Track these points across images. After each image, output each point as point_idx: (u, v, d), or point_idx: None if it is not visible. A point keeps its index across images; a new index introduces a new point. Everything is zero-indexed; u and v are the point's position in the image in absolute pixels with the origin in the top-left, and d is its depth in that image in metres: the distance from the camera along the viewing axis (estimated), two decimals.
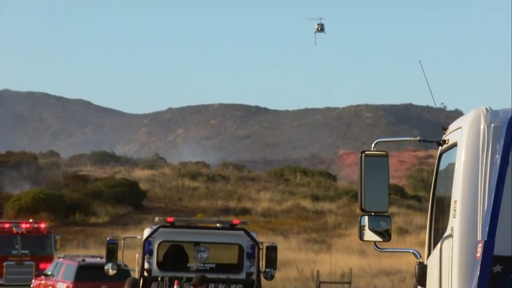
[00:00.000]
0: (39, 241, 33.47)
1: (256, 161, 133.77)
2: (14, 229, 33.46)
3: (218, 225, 19.92)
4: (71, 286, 27.93)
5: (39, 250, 33.13)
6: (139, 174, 78.48)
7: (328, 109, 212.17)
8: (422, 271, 7.54)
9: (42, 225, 34.80)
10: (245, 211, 61.96)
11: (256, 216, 60.44)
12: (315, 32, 62.32)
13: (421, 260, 7.67)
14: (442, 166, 7.67)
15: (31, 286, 30.43)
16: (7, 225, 34.12)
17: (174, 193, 70.84)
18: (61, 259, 30.35)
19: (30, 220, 35.99)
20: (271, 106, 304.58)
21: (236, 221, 20.47)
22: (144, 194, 66.87)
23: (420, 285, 7.64)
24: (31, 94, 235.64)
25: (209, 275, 17.76)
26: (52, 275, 29.28)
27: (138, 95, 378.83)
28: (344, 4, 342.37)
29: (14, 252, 32.80)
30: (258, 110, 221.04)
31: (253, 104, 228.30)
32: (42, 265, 31.53)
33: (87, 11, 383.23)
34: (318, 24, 62.08)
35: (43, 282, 29.54)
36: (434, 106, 9.79)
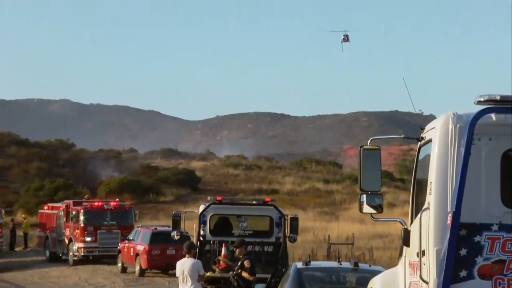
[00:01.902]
0: (123, 215, 33.56)
1: (281, 154, 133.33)
2: (105, 206, 33.63)
3: (254, 202, 19.91)
4: (147, 247, 28.08)
5: (123, 221, 33.18)
6: (195, 164, 78.59)
7: (334, 115, 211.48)
8: (406, 234, 7.51)
9: (125, 203, 35.01)
10: (274, 192, 61.89)
11: (282, 195, 60.31)
12: (341, 42, 56.20)
13: (405, 227, 7.63)
14: (421, 156, 7.64)
15: (118, 247, 30.60)
16: (100, 203, 34.33)
17: (221, 179, 70.86)
18: (139, 228, 30.49)
19: (116, 199, 36.19)
20: (292, 113, 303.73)
21: (267, 199, 20.49)
22: (199, 179, 67.00)
23: (405, 245, 7.61)
24: (116, 106, 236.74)
25: (248, 239, 17.77)
26: (133, 239, 29.43)
27: (193, 106, 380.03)
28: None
29: (105, 223, 32.92)
30: (283, 116, 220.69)
31: (279, 112, 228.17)
32: (125, 232, 31.69)
33: (152, 31, 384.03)
34: (344, 35, 56.20)
35: (126, 245, 29.69)
36: (414, 112, 9.74)
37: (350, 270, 12.51)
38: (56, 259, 34.49)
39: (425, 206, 7.03)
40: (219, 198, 19.35)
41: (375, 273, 9.66)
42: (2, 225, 38.50)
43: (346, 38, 55.86)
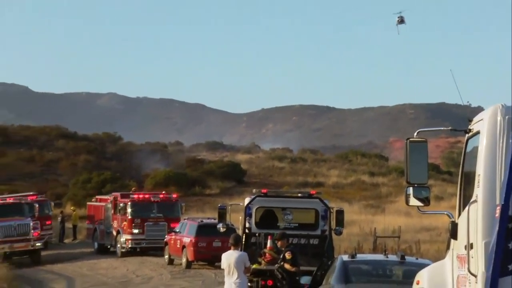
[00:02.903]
0: (170, 207, 33.73)
1: (327, 147, 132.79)
2: (152, 198, 33.89)
3: (299, 194, 19.86)
4: (193, 239, 28.25)
5: (170, 213, 33.35)
6: (240, 157, 78.75)
7: (380, 107, 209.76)
8: (454, 228, 7.45)
9: (172, 196, 35.14)
10: (319, 184, 61.74)
11: (328, 188, 60.15)
12: (396, 25, 52.22)
13: (453, 220, 7.58)
14: (469, 148, 7.57)
15: (165, 240, 30.86)
16: (147, 196, 34.59)
17: (266, 171, 70.93)
18: (185, 220, 30.67)
19: (163, 192, 36.45)
20: (337, 105, 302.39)
21: (313, 191, 20.41)
22: (244, 172, 67.15)
23: (453, 238, 7.55)
24: (162, 100, 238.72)
25: (293, 232, 17.75)
26: (179, 232, 29.62)
27: (239, 98, 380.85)
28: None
29: (152, 215, 33.12)
30: (328, 109, 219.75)
31: (324, 104, 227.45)
32: (172, 225, 31.86)
33: (198, 25, 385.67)
34: (398, 17, 52.34)
35: (173, 237, 29.92)
36: (462, 104, 9.64)
37: (396, 263, 12.45)
38: (104, 251, 34.95)
39: (473, 198, 6.97)
40: (264, 190, 19.33)
41: (422, 266, 9.60)
42: (52, 217, 39.24)
43: (401, 20, 52.37)
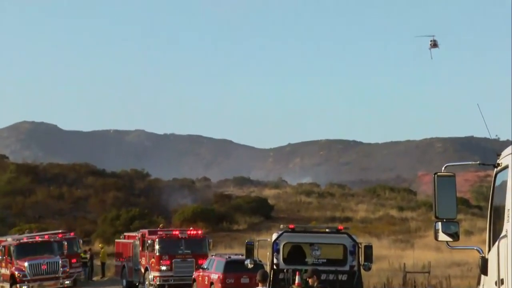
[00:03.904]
0: (197, 243, 33.60)
1: (354, 182, 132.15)
2: (179, 235, 33.86)
3: (327, 230, 19.72)
4: (221, 276, 28.08)
5: (198, 250, 33.20)
6: (268, 192, 78.64)
7: (408, 141, 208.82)
8: (484, 263, 7.35)
9: (199, 232, 35.05)
10: (347, 219, 61.31)
11: (356, 222, 59.68)
12: (429, 48, 51.42)
13: (483, 255, 7.47)
14: (498, 183, 7.49)
15: (193, 276, 30.74)
16: (175, 232, 34.56)
17: (294, 206, 70.67)
18: (213, 256, 30.50)
19: (191, 228, 36.38)
20: (364, 140, 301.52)
21: (340, 227, 20.23)
22: (272, 207, 66.96)
23: (483, 274, 7.44)
24: (190, 136, 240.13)
25: (322, 268, 17.59)
26: (207, 268, 29.47)
27: (266, 134, 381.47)
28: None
29: (179, 251, 33.05)
30: (355, 143, 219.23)
31: (351, 139, 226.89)
32: (200, 261, 31.70)
33: (222, 63, 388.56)
34: (431, 41, 51.52)
35: (201, 273, 29.76)
36: (490, 137, 9.57)
37: None
38: None
39: (503, 233, 6.88)
40: (292, 226, 19.23)
41: None
42: (80, 255, 39.34)
43: (434, 43, 51.46)
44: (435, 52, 52.97)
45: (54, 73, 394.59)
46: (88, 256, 41.26)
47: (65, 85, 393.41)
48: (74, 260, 37.08)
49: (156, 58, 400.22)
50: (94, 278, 41.46)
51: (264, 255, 21.82)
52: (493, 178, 7.61)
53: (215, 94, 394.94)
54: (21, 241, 33.35)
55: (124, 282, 36.04)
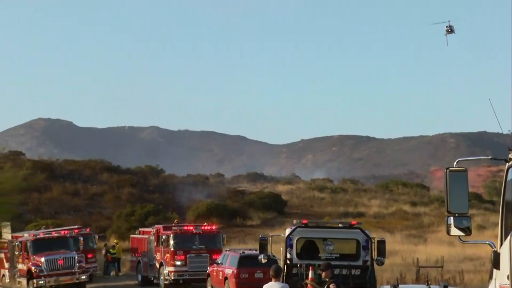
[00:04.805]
0: (212, 239, 33.68)
1: (367, 177, 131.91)
2: (194, 230, 33.95)
3: (340, 225, 19.74)
4: (235, 271, 28.18)
5: (212, 245, 33.31)
6: (281, 188, 78.62)
7: (421, 136, 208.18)
8: (496, 257, 7.35)
9: (213, 227, 35.16)
10: (360, 215, 61.23)
11: (369, 218, 59.62)
12: (445, 34, 49.48)
13: (495, 249, 7.47)
14: (509, 177, 7.49)
15: (207, 271, 30.84)
16: (189, 228, 34.66)
17: (307, 202, 70.64)
18: (227, 251, 30.61)
19: (205, 224, 36.48)
20: (377, 135, 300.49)
21: (353, 222, 20.27)
22: (285, 203, 66.97)
23: (495, 268, 7.45)
24: (203, 132, 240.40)
25: (335, 263, 17.65)
26: (221, 263, 29.58)
27: (278, 130, 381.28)
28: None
29: (194, 247, 33.17)
30: (368, 139, 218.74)
31: (363, 134, 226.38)
32: (214, 256, 31.83)
33: (235, 59, 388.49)
34: (447, 26, 49.53)
35: (215, 268, 29.88)
36: (502, 132, 9.54)
37: None
38: (148, 283, 35.05)
39: None
40: (305, 221, 19.27)
41: None
42: (96, 250, 39.55)
43: (450, 29, 49.56)
44: (451, 40, 51.74)
45: (69, 70, 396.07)
46: (104, 251, 41.47)
47: (80, 82, 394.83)
48: (90, 255, 37.28)
49: (170, 54, 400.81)
50: (110, 273, 41.66)
51: (277, 250, 21.87)
52: (505, 173, 7.60)
53: (228, 90, 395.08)
54: (38, 236, 33.58)
55: (139, 277, 36.19)
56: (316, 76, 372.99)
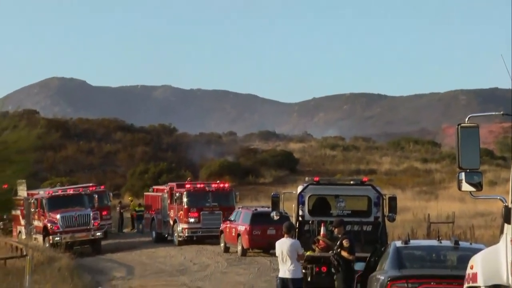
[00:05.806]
0: (224, 196, 33.93)
1: (379, 135, 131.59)
2: (206, 188, 34.11)
3: (352, 182, 19.77)
4: (248, 227, 28.40)
5: (225, 202, 33.56)
6: (293, 146, 78.63)
7: (432, 94, 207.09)
8: (507, 212, 7.34)
9: (226, 185, 35.32)
10: (371, 172, 61.25)
11: (380, 175, 59.65)
12: None
13: (506, 204, 7.45)
14: None
15: (220, 228, 31.06)
16: (202, 185, 34.82)
17: (319, 160, 70.68)
18: (240, 208, 30.84)
19: (217, 181, 36.65)
20: (389, 93, 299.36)
21: (365, 178, 20.31)
22: (297, 161, 67.08)
23: (506, 223, 7.44)
24: (216, 91, 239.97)
25: (346, 219, 17.71)
26: (234, 220, 29.81)
27: (290, 89, 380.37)
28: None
29: (207, 204, 33.40)
30: (379, 97, 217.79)
31: (375, 92, 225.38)
32: (227, 213, 32.08)
33: (247, 18, 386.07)
34: None
35: (228, 225, 30.12)
36: None
37: (450, 248, 12.30)
38: (162, 239, 35.38)
39: None
40: (317, 178, 19.31)
41: (476, 251, 9.45)
42: (110, 207, 39.90)
43: None
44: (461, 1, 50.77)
45: (83, 29, 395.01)
46: (118, 208, 41.81)
47: (93, 41, 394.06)
48: (105, 213, 37.66)
49: (183, 13, 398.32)
50: (124, 230, 42.08)
51: (289, 207, 21.94)
52: None
53: (241, 49, 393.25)
54: (53, 194, 33.87)
55: (154, 233, 36.52)
56: (328, 34, 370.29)
